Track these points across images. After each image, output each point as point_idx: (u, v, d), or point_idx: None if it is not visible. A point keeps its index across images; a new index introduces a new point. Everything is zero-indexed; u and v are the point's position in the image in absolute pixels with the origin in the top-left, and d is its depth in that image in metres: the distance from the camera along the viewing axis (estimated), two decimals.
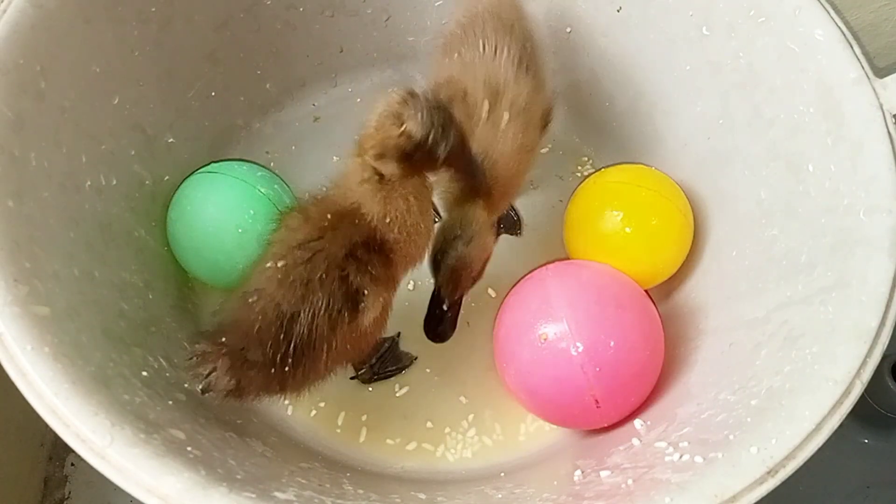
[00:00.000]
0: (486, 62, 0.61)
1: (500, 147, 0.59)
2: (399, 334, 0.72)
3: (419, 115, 0.47)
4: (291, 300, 0.50)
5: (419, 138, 0.48)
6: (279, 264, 0.52)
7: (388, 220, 0.53)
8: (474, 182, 0.56)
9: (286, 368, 0.51)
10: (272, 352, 0.50)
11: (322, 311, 0.51)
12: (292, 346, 0.50)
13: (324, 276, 0.51)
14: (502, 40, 0.62)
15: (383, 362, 0.71)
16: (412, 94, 0.48)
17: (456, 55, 0.63)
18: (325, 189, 0.55)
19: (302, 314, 0.50)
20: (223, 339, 0.50)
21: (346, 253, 0.52)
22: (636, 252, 0.67)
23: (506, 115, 0.59)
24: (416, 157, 0.49)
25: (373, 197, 0.52)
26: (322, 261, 0.51)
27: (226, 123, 0.81)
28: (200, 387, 0.49)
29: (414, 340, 0.72)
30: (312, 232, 0.53)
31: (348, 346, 0.55)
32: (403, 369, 0.71)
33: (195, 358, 0.50)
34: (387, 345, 0.71)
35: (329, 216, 0.53)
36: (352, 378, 0.70)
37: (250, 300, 0.51)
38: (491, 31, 0.62)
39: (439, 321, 0.61)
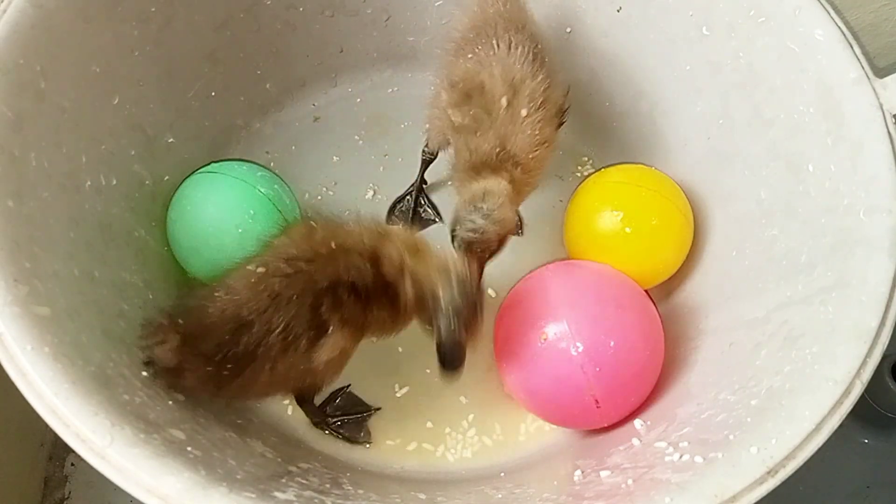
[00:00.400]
0: (502, 58, 0.62)
1: (518, 141, 0.60)
2: (349, 385, 0.69)
3: (464, 291, 0.53)
4: (253, 307, 0.50)
5: (452, 281, 0.52)
6: (258, 269, 0.52)
7: (384, 267, 0.54)
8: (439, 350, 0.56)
9: (224, 372, 0.50)
10: (217, 350, 0.50)
11: (278, 330, 0.50)
12: (238, 352, 0.50)
13: (295, 297, 0.50)
14: (515, 38, 0.63)
15: (340, 411, 0.68)
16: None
17: (470, 55, 0.64)
18: (348, 218, 0.56)
19: (257, 325, 0.50)
20: (180, 321, 0.50)
21: (327, 286, 0.51)
22: (636, 252, 0.67)
23: (524, 111, 0.60)
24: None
25: (391, 245, 0.54)
26: (300, 282, 0.51)
27: (226, 123, 0.81)
28: (144, 357, 0.50)
29: (412, 345, 0.72)
30: (307, 252, 0.52)
31: (295, 376, 0.54)
32: (360, 416, 0.68)
33: (150, 327, 0.50)
34: (341, 395, 0.68)
35: (333, 245, 0.53)
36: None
37: (216, 293, 0.51)
38: (503, 31, 0.63)
39: None
